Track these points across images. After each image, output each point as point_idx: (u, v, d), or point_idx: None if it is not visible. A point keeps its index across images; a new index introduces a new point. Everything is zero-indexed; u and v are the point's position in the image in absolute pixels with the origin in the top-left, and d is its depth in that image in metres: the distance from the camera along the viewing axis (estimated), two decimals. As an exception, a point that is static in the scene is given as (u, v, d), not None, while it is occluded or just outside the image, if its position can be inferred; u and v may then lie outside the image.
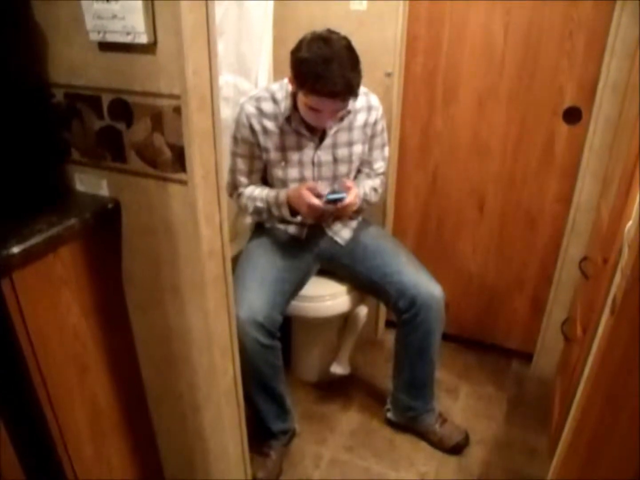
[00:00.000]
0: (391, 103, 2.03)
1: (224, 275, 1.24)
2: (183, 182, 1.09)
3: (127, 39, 0.99)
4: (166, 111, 1.04)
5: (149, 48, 1.00)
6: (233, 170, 1.76)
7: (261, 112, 1.68)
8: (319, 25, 2.03)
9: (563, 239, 2.04)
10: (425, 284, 1.73)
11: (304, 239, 1.83)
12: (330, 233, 1.85)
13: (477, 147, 2.08)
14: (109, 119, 1.11)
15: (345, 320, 2.09)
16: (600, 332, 1.12)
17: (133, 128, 1.10)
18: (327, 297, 1.90)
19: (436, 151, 2.16)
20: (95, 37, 1.03)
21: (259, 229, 1.89)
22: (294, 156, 1.73)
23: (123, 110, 1.09)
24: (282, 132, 1.69)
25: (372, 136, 1.80)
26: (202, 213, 1.11)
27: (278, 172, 1.75)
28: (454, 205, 2.22)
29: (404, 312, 1.75)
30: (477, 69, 1.98)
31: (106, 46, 1.04)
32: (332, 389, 2.16)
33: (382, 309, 2.44)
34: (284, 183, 1.76)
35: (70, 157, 1.20)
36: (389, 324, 2.47)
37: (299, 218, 1.77)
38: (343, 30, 2.02)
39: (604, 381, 0.95)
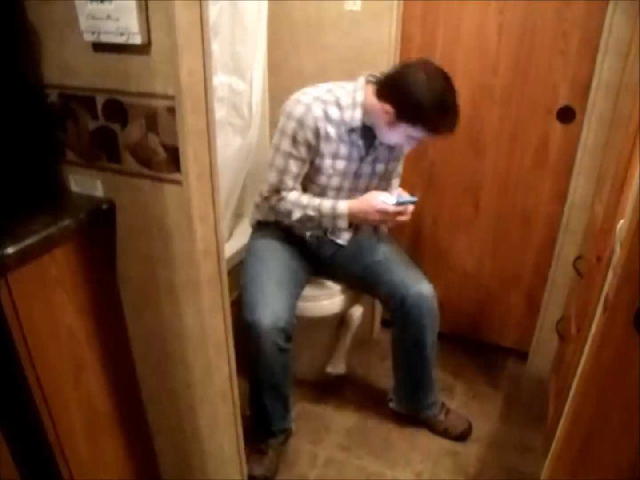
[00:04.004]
0: (386, 103, 2.03)
1: (218, 274, 1.24)
2: (178, 183, 1.09)
3: (121, 40, 0.99)
4: (161, 111, 1.04)
5: (143, 48, 1.00)
6: (283, 172, 1.66)
7: (327, 117, 1.63)
8: (314, 26, 2.04)
9: (557, 237, 2.05)
10: (414, 283, 1.74)
11: (309, 239, 1.84)
12: (331, 236, 1.85)
13: (471, 146, 2.09)
14: (104, 120, 1.12)
15: (341, 319, 2.09)
16: (593, 330, 1.13)
17: (128, 128, 1.10)
18: (322, 296, 1.91)
19: (431, 150, 2.17)
20: (89, 37, 1.03)
21: (263, 228, 1.86)
22: (341, 165, 1.71)
23: (117, 110, 1.09)
24: (339, 140, 1.67)
25: (400, 155, 1.82)
26: (197, 213, 1.11)
27: (321, 179, 1.71)
28: (449, 204, 2.22)
29: (396, 312, 1.77)
30: (472, 68, 1.99)
31: (100, 47, 1.04)
32: (328, 389, 2.16)
33: (378, 309, 2.44)
34: (322, 190, 1.73)
35: (64, 158, 1.20)
36: (384, 323, 2.47)
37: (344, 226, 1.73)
38: (337, 30, 2.03)
39: (596, 379, 0.96)
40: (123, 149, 1.12)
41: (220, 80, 1.79)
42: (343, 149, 1.69)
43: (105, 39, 1.01)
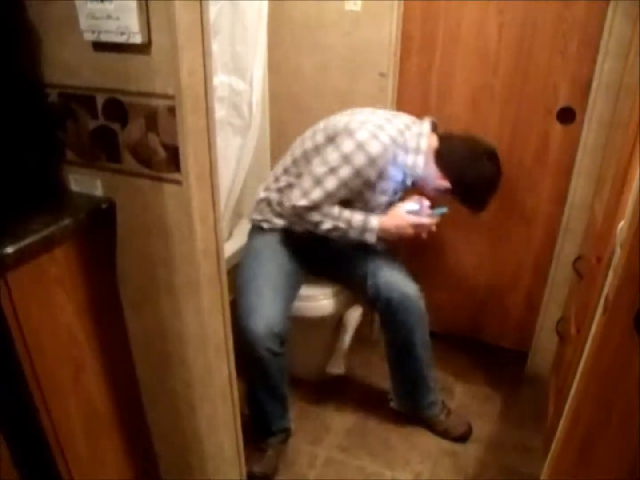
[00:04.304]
0: (385, 103, 2.04)
1: (218, 274, 1.24)
2: (177, 182, 1.09)
3: (122, 39, 0.99)
4: (161, 111, 1.04)
5: (144, 48, 1.00)
6: (330, 195, 1.64)
7: (394, 160, 1.66)
8: (314, 25, 2.04)
9: (557, 238, 2.05)
10: (398, 285, 1.74)
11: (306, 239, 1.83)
12: None
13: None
14: (104, 119, 1.11)
15: (340, 320, 2.09)
16: (593, 331, 1.13)
17: (127, 128, 1.10)
18: (321, 296, 1.90)
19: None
20: (89, 37, 1.03)
21: (263, 228, 1.85)
22: (382, 200, 1.75)
23: (117, 110, 1.09)
24: (392, 179, 1.71)
25: None
26: (197, 213, 1.11)
27: (357, 205, 1.72)
28: (449, 205, 2.22)
29: (382, 313, 1.78)
30: (471, 68, 1.99)
31: (100, 46, 1.04)
32: (328, 389, 2.16)
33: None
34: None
35: (64, 158, 1.20)
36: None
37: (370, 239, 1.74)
38: (338, 31, 2.03)
39: (596, 380, 0.96)
40: (123, 148, 1.12)
41: (220, 80, 1.79)
42: (390, 187, 1.73)
43: (105, 38, 1.01)
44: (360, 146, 1.59)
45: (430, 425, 1.96)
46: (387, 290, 1.73)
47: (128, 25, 0.97)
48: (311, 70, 2.11)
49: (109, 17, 0.98)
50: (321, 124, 1.75)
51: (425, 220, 1.69)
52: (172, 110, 1.03)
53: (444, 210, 1.71)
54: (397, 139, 1.65)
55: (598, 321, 1.03)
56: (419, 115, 2.11)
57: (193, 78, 1.02)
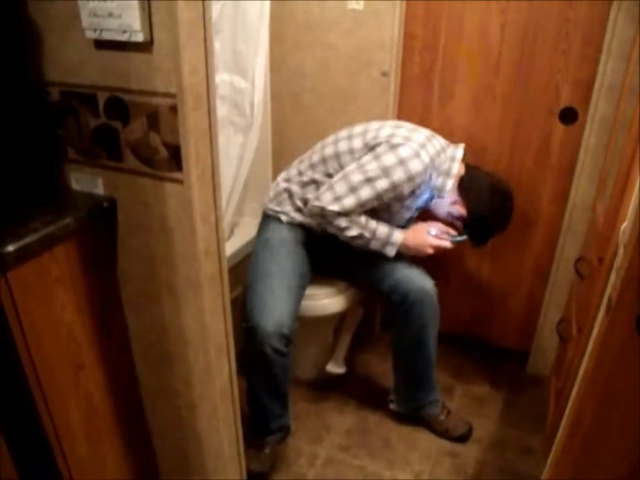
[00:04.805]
0: (387, 103, 2.03)
1: (219, 274, 1.24)
2: (179, 181, 1.09)
3: (123, 37, 0.99)
4: (162, 110, 1.04)
5: (145, 46, 0.99)
6: (362, 205, 1.66)
7: (429, 180, 1.71)
8: (316, 24, 2.04)
9: (559, 239, 2.04)
10: (417, 279, 1.76)
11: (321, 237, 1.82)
12: None
13: (473, 147, 2.07)
14: (105, 118, 1.11)
15: (341, 319, 2.08)
16: (595, 332, 1.12)
17: (129, 126, 1.10)
18: (323, 295, 1.90)
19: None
20: (91, 35, 1.02)
21: (279, 220, 1.82)
22: (406, 215, 1.80)
23: (119, 108, 1.09)
24: (420, 197, 1.75)
25: None
26: (198, 212, 1.11)
27: (383, 216, 1.75)
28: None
29: (398, 307, 1.78)
30: (474, 68, 1.99)
31: (102, 44, 1.04)
32: (328, 388, 2.16)
33: (379, 309, 2.44)
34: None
35: (65, 156, 1.19)
36: (382, 325, 2.47)
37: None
38: (340, 29, 2.03)
39: (598, 381, 0.96)
40: (124, 147, 1.12)
41: (221, 78, 1.79)
42: (416, 204, 1.77)
43: (107, 36, 1.01)
44: (402, 162, 1.62)
45: (430, 425, 1.96)
46: (405, 283, 1.75)
47: (130, 23, 0.97)
48: (313, 69, 2.11)
49: (110, 15, 0.98)
50: (359, 128, 1.76)
51: (447, 244, 1.75)
52: (173, 109, 1.02)
53: (464, 237, 1.78)
54: (434, 160, 1.69)
55: (600, 322, 1.03)
56: (422, 115, 2.12)
57: (195, 77, 1.01)
